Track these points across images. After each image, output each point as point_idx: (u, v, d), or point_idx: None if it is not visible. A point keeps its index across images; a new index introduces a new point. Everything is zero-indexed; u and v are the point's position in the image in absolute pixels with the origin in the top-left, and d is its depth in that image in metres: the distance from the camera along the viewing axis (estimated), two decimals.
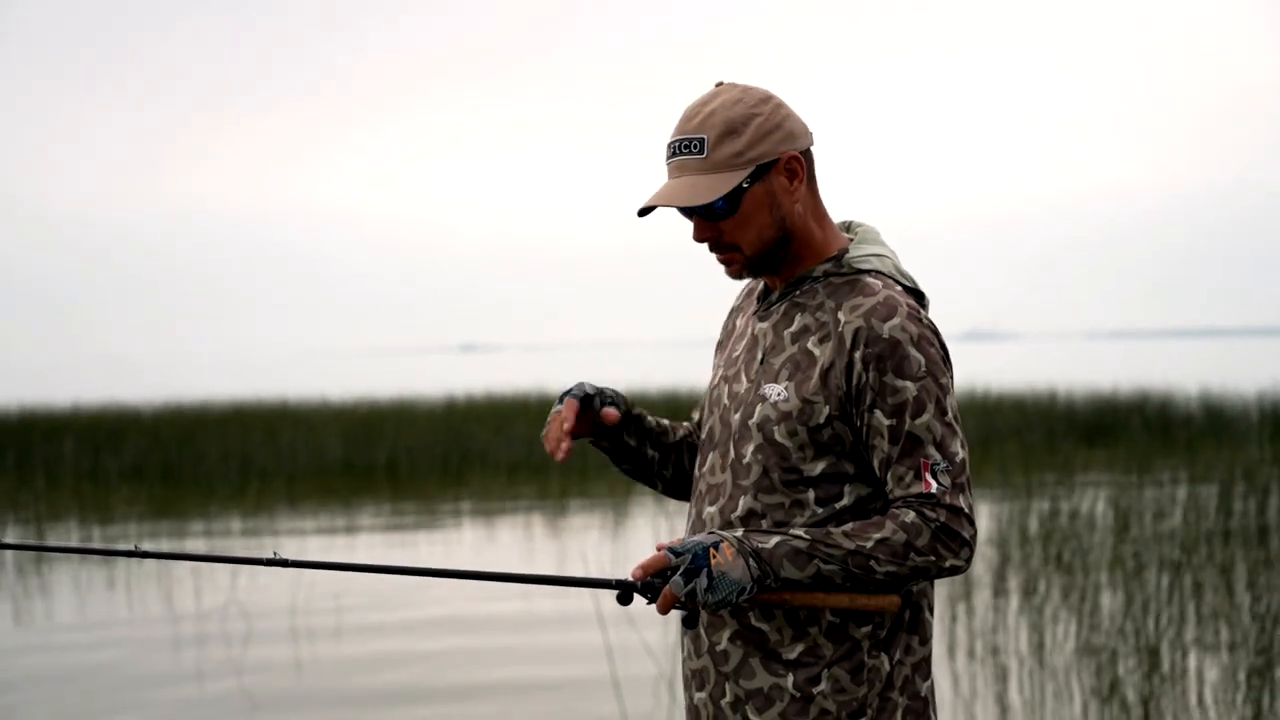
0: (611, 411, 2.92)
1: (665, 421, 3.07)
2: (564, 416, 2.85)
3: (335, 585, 12.11)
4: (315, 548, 14.61)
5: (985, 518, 13.25)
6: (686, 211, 2.76)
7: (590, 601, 11.05)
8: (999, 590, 10.44)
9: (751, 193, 2.72)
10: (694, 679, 2.81)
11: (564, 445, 2.84)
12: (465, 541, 14.91)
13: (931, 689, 2.78)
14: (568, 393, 2.89)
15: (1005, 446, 20.34)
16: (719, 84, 2.79)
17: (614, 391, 2.98)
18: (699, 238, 2.77)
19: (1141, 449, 19.77)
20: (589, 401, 2.92)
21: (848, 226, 2.89)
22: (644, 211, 2.77)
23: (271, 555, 2.75)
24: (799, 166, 2.76)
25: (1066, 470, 17.70)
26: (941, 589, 10.61)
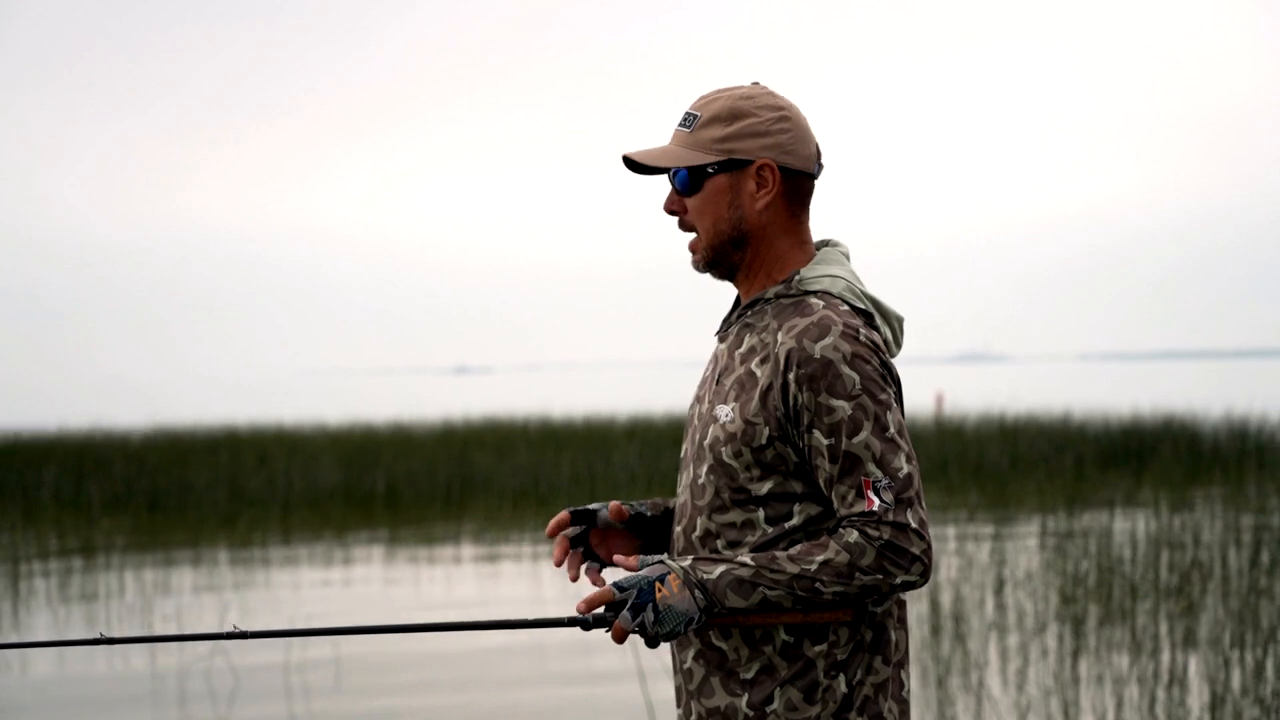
0: (614, 507, 2.93)
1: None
2: (550, 528, 2.92)
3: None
4: (310, 580, 13.82)
5: (1024, 553, 12.46)
6: (672, 182, 2.86)
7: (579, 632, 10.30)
8: (1063, 634, 9.64)
9: (716, 180, 2.79)
10: (676, 695, 2.87)
11: (567, 564, 2.95)
12: (467, 573, 14.19)
13: (900, 710, 2.75)
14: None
15: (1035, 474, 19.60)
16: (754, 83, 2.87)
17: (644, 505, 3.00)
18: (666, 208, 2.86)
19: (1180, 475, 19.00)
20: (585, 515, 2.94)
21: (825, 244, 2.91)
22: (628, 163, 2.88)
23: (232, 628, 2.82)
24: (771, 177, 2.79)
25: (1102, 498, 16.95)
26: (998, 631, 9.84)
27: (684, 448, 2.92)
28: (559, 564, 2.91)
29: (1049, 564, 11.29)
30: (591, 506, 2.94)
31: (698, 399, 2.90)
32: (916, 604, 10.78)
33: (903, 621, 2.78)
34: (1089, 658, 9.15)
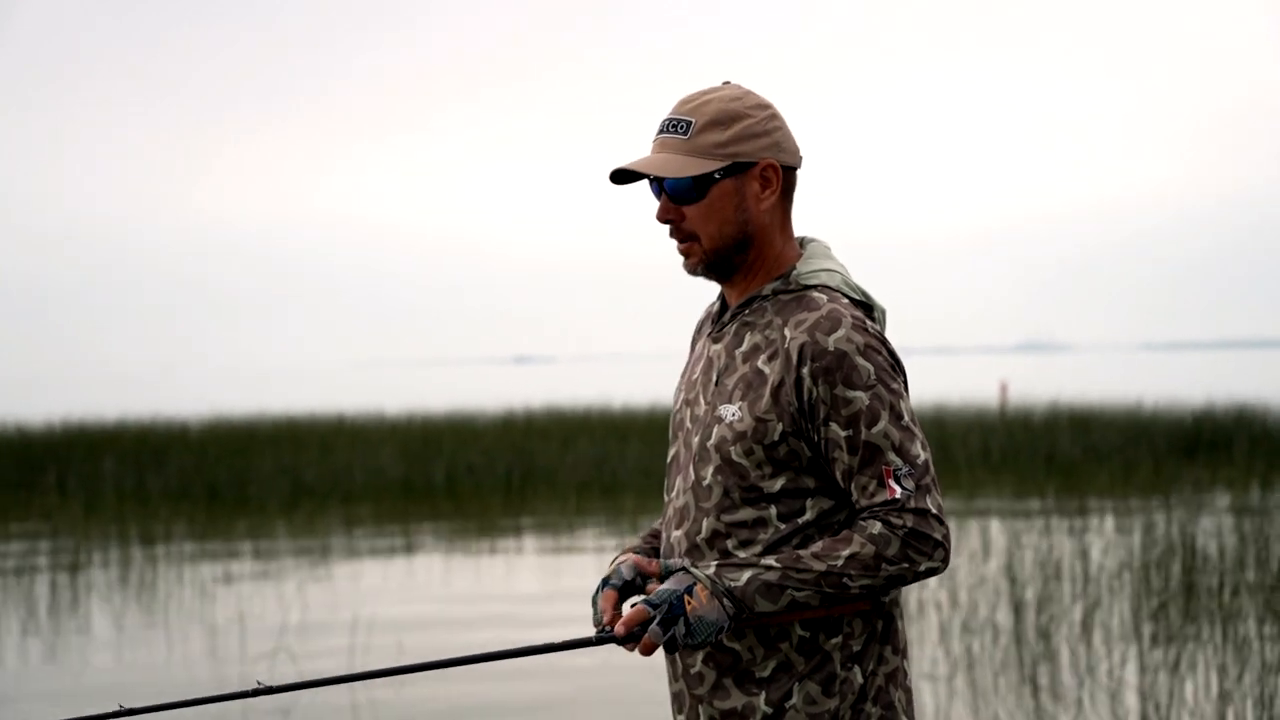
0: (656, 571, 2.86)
1: None
2: (605, 611, 2.80)
3: (397, 621, 11.07)
4: (372, 571, 13.61)
5: (1107, 549, 12.08)
6: (656, 190, 2.81)
7: None
8: (1158, 634, 9.30)
9: (721, 185, 2.76)
10: (674, 702, 2.84)
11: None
12: (530, 565, 13.97)
13: (907, 699, 2.78)
14: (606, 581, 2.83)
15: (1109, 465, 19.19)
16: (725, 83, 2.84)
17: (644, 553, 2.95)
18: (661, 217, 2.81)
19: (1260, 467, 18.56)
20: (629, 589, 2.85)
21: (800, 242, 2.89)
22: (616, 176, 2.81)
23: (256, 685, 2.77)
24: (774, 176, 2.79)
25: (1182, 491, 16.54)
26: (1085, 630, 9.50)
27: (673, 451, 2.91)
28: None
29: (1134, 560, 10.94)
30: (626, 576, 2.85)
31: (687, 401, 2.89)
32: (995, 600, 10.45)
33: (903, 614, 2.83)
34: (1186, 660, 8.81)
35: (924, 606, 10.62)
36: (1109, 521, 14.62)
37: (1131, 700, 8.17)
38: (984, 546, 12.21)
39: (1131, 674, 8.66)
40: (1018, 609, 9.94)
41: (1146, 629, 9.49)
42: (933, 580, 11.21)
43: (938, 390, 38.10)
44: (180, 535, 16.18)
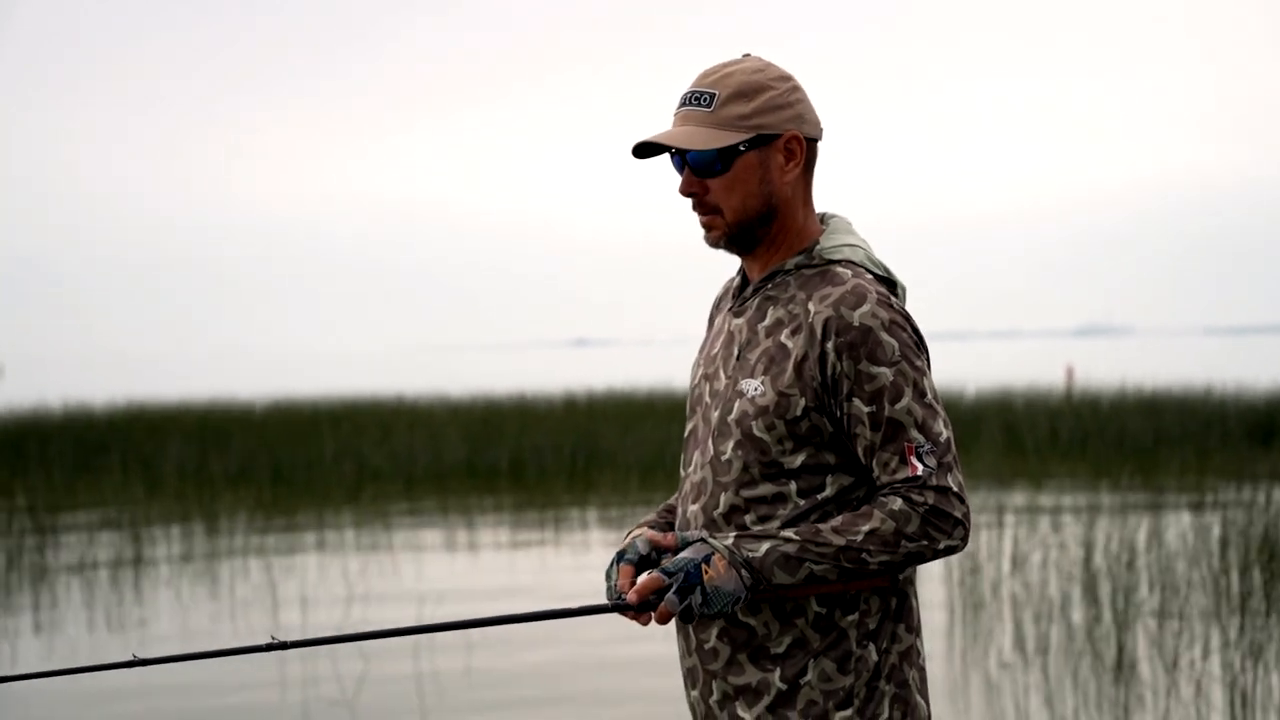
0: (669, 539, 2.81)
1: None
2: (623, 585, 2.75)
3: (461, 603, 10.97)
4: (435, 554, 13.54)
5: (1183, 536, 11.83)
6: (679, 164, 2.79)
7: None
8: (1245, 624, 9.07)
9: (746, 158, 2.75)
10: (687, 677, 2.83)
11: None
12: (594, 548, 13.86)
13: (920, 677, 2.76)
14: (621, 555, 2.78)
15: (1182, 451, 18.89)
16: (746, 55, 2.82)
17: (659, 527, 2.93)
18: (684, 190, 2.79)
19: None
20: (645, 563, 2.79)
21: (821, 218, 2.88)
22: (639, 150, 2.79)
23: (270, 639, 2.77)
24: (798, 148, 2.78)
25: (1259, 477, 16.24)
26: (1159, 618, 9.28)
27: (691, 426, 2.90)
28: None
29: (1212, 548, 10.70)
30: (642, 551, 2.78)
31: (706, 376, 2.87)
32: (1069, 587, 10.23)
33: (917, 593, 2.81)
34: (1273, 648, 8.59)
35: (998, 592, 10.44)
36: (1184, 508, 14.36)
37: (1216, 690, 7.96)
38: (1056, 532, 11.99)
39: (1215, 664, 8.45)
40: (1094, 596, 9.73)
41: (1228, 618, 9.27)
42: (1006, 567, 11.02)
43: (1001, 375, 37.76)
44: (242, 518, 16.14)
